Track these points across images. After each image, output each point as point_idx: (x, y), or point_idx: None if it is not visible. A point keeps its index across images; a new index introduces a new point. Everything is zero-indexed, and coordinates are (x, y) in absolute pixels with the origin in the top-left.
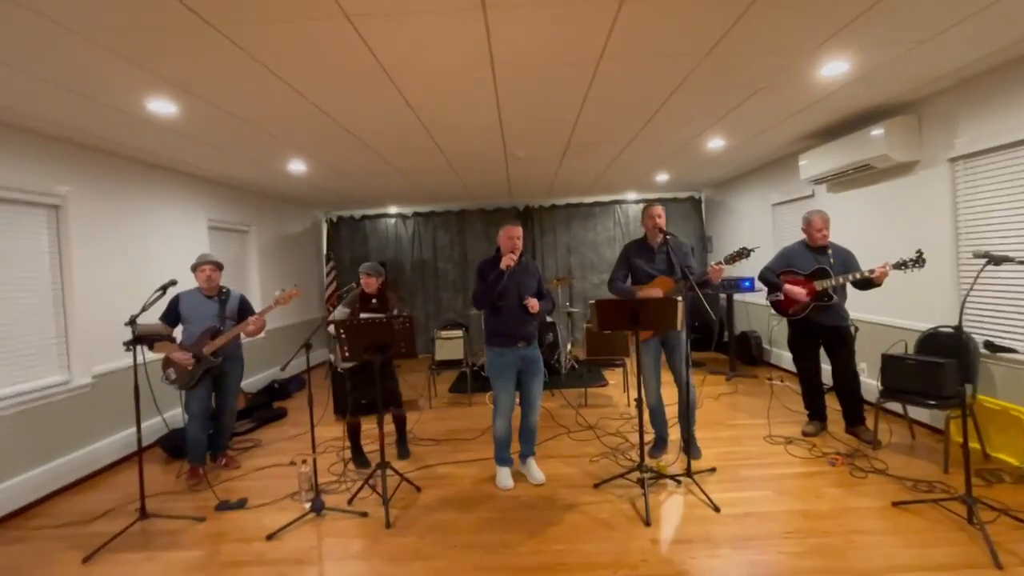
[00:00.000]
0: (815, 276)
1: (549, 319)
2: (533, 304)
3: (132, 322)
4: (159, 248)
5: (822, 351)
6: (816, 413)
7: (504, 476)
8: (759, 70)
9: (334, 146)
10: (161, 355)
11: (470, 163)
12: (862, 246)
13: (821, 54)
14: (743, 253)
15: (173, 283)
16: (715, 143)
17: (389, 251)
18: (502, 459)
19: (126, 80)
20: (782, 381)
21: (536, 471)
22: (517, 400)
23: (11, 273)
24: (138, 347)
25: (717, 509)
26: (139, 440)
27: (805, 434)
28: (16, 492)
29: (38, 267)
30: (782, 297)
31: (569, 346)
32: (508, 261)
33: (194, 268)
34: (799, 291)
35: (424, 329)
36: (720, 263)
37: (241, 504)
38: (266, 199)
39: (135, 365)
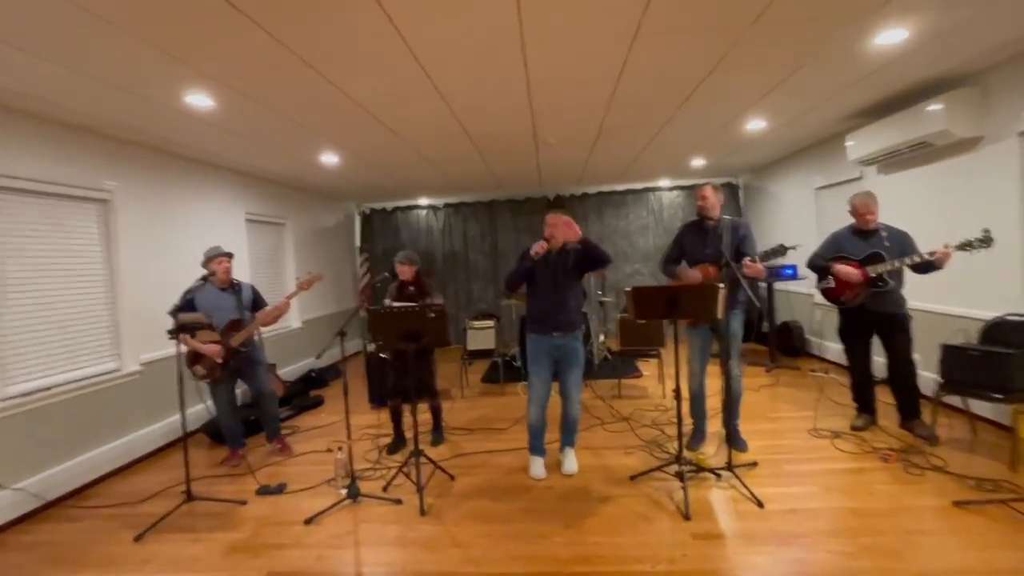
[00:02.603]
0: (869, 261)
1: (584, 310)
2: (573, 232)
3: (174, 312)
4: (200, 240)
5: (875, 341)
6: (865, 406)
7: (537, 466)
8: (808, 41)
9: (364, 136)
10: (186, 349)
11: (500, 151)
12: (918, 229)
13: (879, 19)
14: (779, 251)
15: (213, 273)
16: (755, 124)
17: (420, 242)
18: (534, 448)
19: (163, 73)
20: (826, 373)
21: (570, 462)
22: (555, 390)
23: (67, 265)
24: (179, 336)
25: (760, 504)
26: (183, 426)
27: (854, 428)
28: (74, 473)
29: (90, 259)
30: (832, 284)
31: (602, 337)
32: (538, 248)
33: (210, 259)
34: (851, 271)
35: (455, 320)
36: (754, 259)
37: (280, 489)
38: (301, 192)
39: (178, 353)
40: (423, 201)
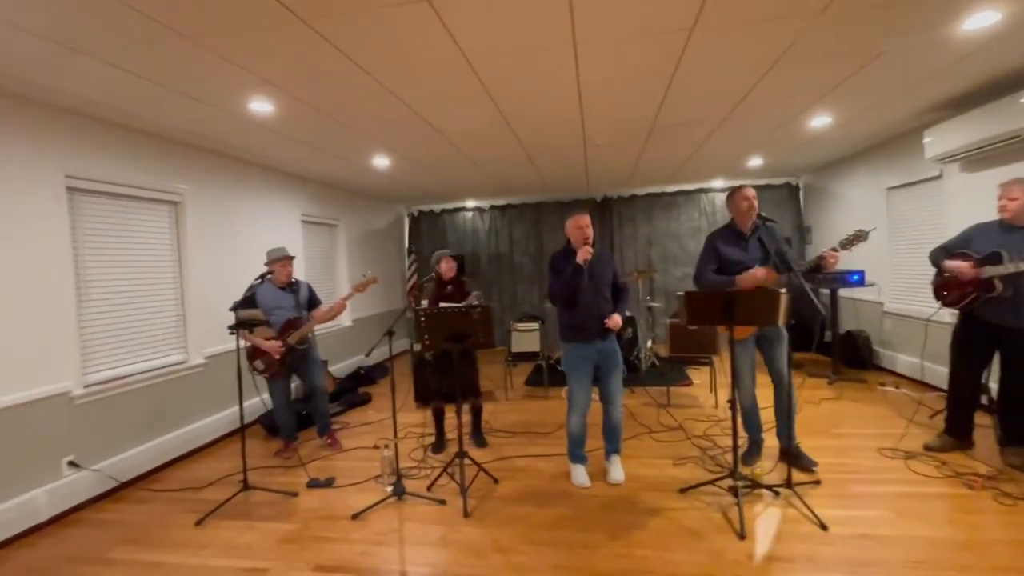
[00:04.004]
0: (987, 261)
1: (628, 313)
2: (616, 322)
3: (235, 308)
4: (260, 240)
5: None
6: (955, 429)
7: (579, 474)
8: (882, 30)
9: (415, 140)
10: (247, 344)
11: (547, 153)
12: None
13: (966, 2)
14: (860, 236)
15: (271, 273)
16: (820, 120)
17: (467, 244)
18: (576, 456)
19: (229, 81)
20: (897, 387)
21: (617, 470)
22: (594, 396)
23: (142, 263)
24: (238, 331)
25: (824, 527)
26: (241, 418)
27: (929, 448)
28: (144, 458)
29: (162, 257)
30: (943, 282)
31: (650, 342)
32: (585, 255)
33: (275, 261)
34: (960, 266)
35: (500, 321)
36: (835, 248)
37: (329, 483)
38: (353, 195)
39: (238, 348)
40: (470, 203)
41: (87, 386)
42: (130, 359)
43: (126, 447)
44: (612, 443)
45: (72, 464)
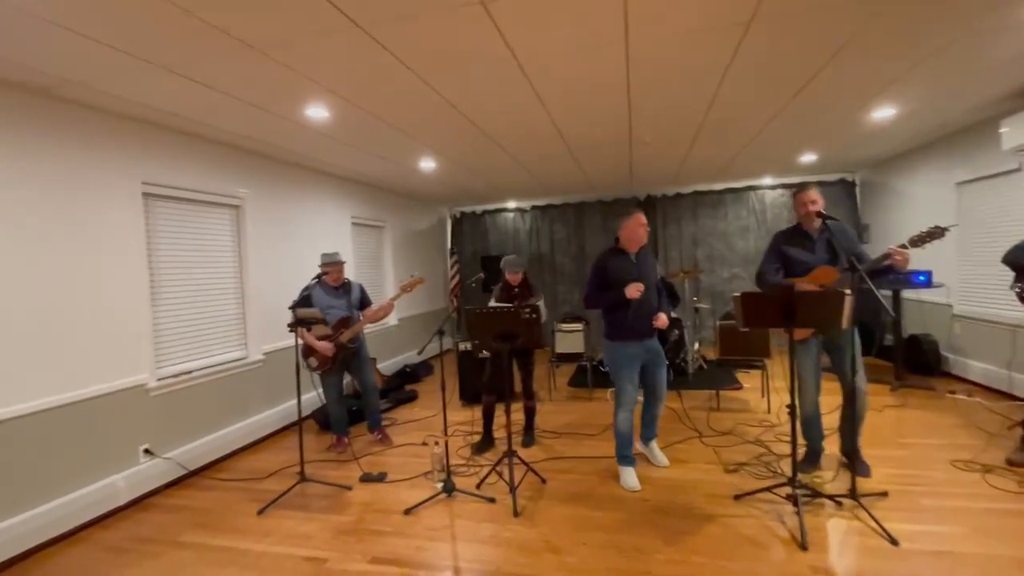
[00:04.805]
0: None
1: (675, 315)
2: (663, 321)
3: (294, 307)
4: (313, 242)
5: None
6: None
7: (629, 476)
8: (955, 15)
9: (462, 141)
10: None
11: (593, 152)
12: None
13: None
14: (936, 233)
15: (326, 273)
16: (883, 112)
17: (508, 245)
18: (625, 458)
19: (290, 88)
20: (970, 395)
21: (659, 454)
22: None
23: (207, 264)
24: (297, 329)
25: (895, 542)
26: (299, 412)
27: (1011, 463)
28: (211, 448)
29: (225, 258)
30: None
31: (697, 344)
32: (634, 293)
33: (328, 265)
34: None
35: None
36: (904, 246)
37: (381, 478)
38: (399, 197)
39: (296, 345)
40: (511, 204)
41: (160, 379)
42: (196, 355)
43: (194, 437)
44: (650, 429)
45: (147, 452)
